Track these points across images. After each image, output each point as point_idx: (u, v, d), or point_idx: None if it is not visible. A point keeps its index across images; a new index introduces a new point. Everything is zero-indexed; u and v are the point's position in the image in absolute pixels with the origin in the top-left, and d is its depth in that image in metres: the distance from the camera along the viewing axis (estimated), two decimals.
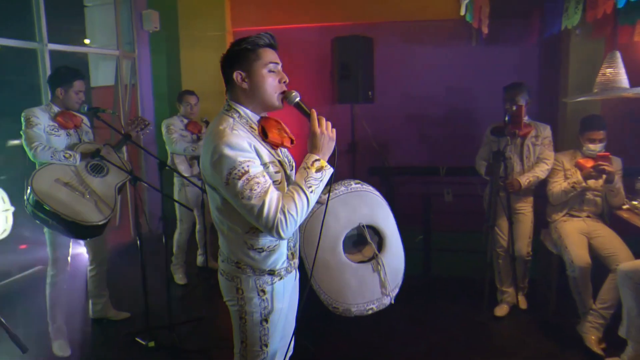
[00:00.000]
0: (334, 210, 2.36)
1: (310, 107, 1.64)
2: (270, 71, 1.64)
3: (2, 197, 4.05)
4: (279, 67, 1.67)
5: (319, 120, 1.61)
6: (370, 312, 2.43)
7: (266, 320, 1.69)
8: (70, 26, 5.60)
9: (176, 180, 4.19)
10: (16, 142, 2.96)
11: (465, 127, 4.89)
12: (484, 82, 4.58)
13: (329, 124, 1.61)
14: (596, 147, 3.25)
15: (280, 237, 1.52)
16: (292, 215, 1.49)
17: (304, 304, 1.86)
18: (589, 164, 3.19)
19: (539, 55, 4.91)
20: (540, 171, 3.39)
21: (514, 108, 3.30)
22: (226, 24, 5.36)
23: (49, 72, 4.15)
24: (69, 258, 3.18)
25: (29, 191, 2.80)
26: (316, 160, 1.57)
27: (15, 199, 2.89)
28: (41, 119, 2.99)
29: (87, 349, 3.25)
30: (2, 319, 1.70)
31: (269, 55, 1.65)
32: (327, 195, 2.20)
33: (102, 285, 3.51)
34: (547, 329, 3.34)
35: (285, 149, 1.79)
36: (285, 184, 1.62)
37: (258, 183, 1.48)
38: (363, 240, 2.49)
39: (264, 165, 1.57)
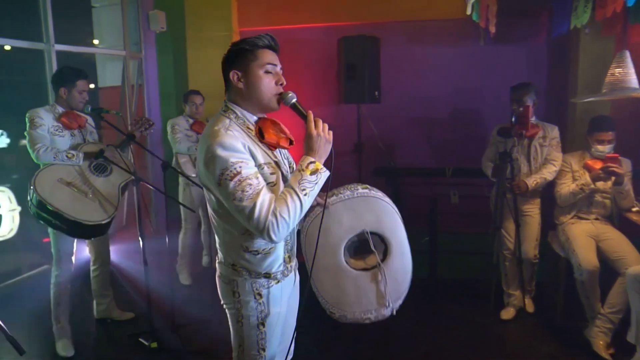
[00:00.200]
0: (337, 215, 2.30)
1: (307, 109, 1.61)
2: (266, 72, 1.62)
3: (8, 197, 4.11)
4: (277, 68, 1.65)
5: (315, 122, 1.57)
6: (367, 321, 2.37)
7: (263, 324, 1.67)
8: (79, 27, 5.63)
9: (181, 180, 4.19)
10: (26, 142, 2.98)
11: (472, 127, 4.84)
12: (492, 82, 4.53)
13: (326, 125, 1.58)
14: (605, 149, 3.20)
15: (272, 240, 1.50)
16: (283, 218, 1.47)
17: (304, 307, 1.84)
18: (598, 165, 3.14)
19: (547, 54, 4.84)
20: (548, 173, 3.34)
21: (521, 109, 3.26)
22: (233, 24, 5.35)
23: None
24: (74, 258, 3.19)
25: (31, 192, 2.81)
26: (311, 162, 1.54)
27: (26, 198, 2.90)
28: (45, 120, 3.00)
29: (91, 349, 3.26)
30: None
31: (267, 56, 1.63)
32: (331, 198, 2.19)
33: (106, 285, 3.52)
34: (554, 333, 3.29)
35: (286, 151, 1.77)
36: (281, 185, 1.59)
37: (250, 185, 1.47)
38: (368, 248, 2.41)
39: (259, 166, 1.55)
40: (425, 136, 5.11)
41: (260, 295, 1.65)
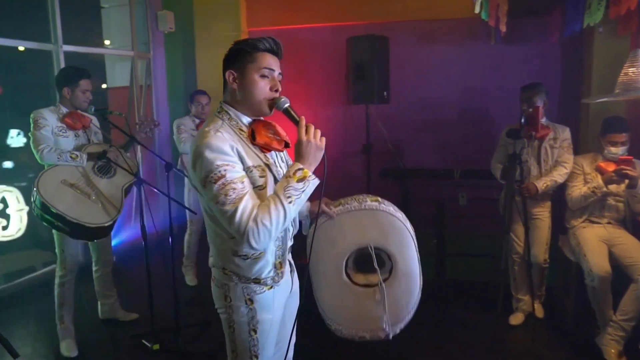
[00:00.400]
0: (342, 226, 2.19)
1: (300, 115, 1.56)
2: (262, 76, 1.58)
3: (16, 197, 4.13)
4: (275, 74, 1.61)
5: (307, 127, 1.53)
6: (362, 339, 2.29)
7: (255, 331, 1.63)
8: (89, 28, 5.67)
9: (186, 181, 4.18)
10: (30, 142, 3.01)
11: (482, 128, 4.76)
12: (503, 82, 4.45)
13: (318, 132, 1.53)
14: (618, 150, 3.10)
15: (252, 247, 1.46)
16: (264, 225, 1.43)
17: (303, 307, 1.80)
18: (611, 167, 3.05)
19: (560, 54, 4.74)
20: (559, 175, 3.26)
21: (530, 109, 3.18)
22: (241, 24, 5.34)
23: None
24: (78, 258, 3.19)
25: (35, 194, 2.81)
26: (299, 169, 1.49)
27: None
28: (49, 121, 3.00)
29: (94, 349, 3.26)
30: None
31: (266, 60, 1.59)
32: (337, 207, 2.12)
33: (108, 286, 3.52)
34: (565, 339, 3.21)
35: (284, 154, 1.73)
36: (271, 189, 1.55)
37: (234, 189, 1.44)
38: (377, 262, 2.29)
39: (247, 169, 1.52)
40: (434, 137, 5.05)
41: (251, 300, 1.62)
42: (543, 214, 3.41)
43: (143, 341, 3.19)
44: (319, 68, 5.27)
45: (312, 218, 1.91)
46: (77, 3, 5.28)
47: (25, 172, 4.76)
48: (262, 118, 1.67)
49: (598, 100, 3.56)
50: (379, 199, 2.23)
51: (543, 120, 3.28)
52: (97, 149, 3.10)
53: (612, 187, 3.10)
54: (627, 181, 3.00)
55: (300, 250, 1.84)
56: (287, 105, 1.58)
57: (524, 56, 4.65)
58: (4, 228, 4.00)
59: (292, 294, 1.81)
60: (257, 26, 5.37)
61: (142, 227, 3.00)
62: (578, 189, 3.22)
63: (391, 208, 2.22)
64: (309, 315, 1.81)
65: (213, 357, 3.10)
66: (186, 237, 4.29)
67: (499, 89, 4.51)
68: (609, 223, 3.21)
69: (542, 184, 3.24)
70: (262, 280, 1.62)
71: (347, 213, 2.16)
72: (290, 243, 1.73)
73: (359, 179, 4.79)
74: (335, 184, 4.47)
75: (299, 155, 1.52)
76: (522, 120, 3.19)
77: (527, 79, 3.43)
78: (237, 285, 1.61)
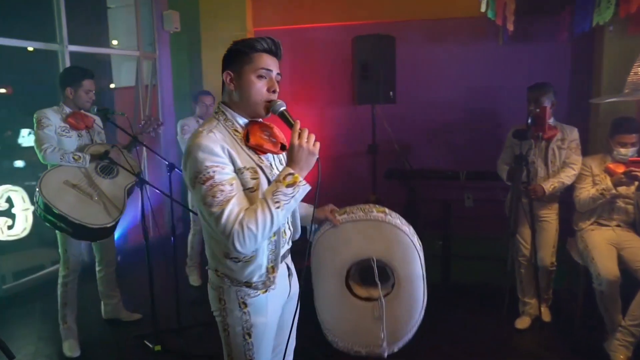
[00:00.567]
0: (347, 235, 2.11)
1: (296, 119, 1.53)
2: (259, 77, 1.55)
3: (22, 197, 4.15)
4: (273, 74, 1.57)
5: (300, 132, 1.49)
6: (357, 354, 2.21)
7: (249, 335, 1.60)
8: (95, 28, 5.68)
9: None
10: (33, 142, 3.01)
11: (489, 129, 4.71)
12: (510, 82, 4.39)
13: (312, 136, 1.49)
14: (628, 152, 3.04)
15: (237, 251, 1.44)
16: (250, 229, 1.41)
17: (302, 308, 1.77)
18: (620, 169, 2.99)
19: (569, 53, 4.67)
20: (566, 176, 3.20)
21: (537, 110, 3.12)
22: (247, 24, 5.33)
23: None
24: (81, 258, 3.19)
25: (37, 194, 2.81)
26: (289, 174, 1.46)
27: None
28: (52, 120, 3.00)
29: (96, 350, 3.25)
30: None
31: (264, 60, 1.56)
32: (342, 216, 2.07)
33: (111, 287, 3.51)
34: (572, 344, 3.15)
35: (282, 156, 1.71)
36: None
37: (222, 191, 1.42)
38: (380, 275, 2.19)
39: (238, 170, 1.49)
40: (440, 138, 5.00)
41: (245, 304, 1.59)
42: (550, 216, 3.35)
43: (146, 342, 3.18)
44: (324, 68, 5.24)
45: (316, 224, 1.87)
46: (84, 3, 5.29)
47: (36, 171, 4.79)
48: (259, 120, 1.64)
49: (607, 100, 3.50)
50: (386, 210, 2.13)
51: (551, 121, 3.22)
52: (100, 150, 3.09)
53: (622, 189, 3.04)
54: (636, 183, 2.94)
55: (303, 254, 1.80)
56: (282, 108, 1.55)
57: (532, 56, 4.59)
58: (10, 227, 4.02)
59: (291, 298, 1.78)
60: (262, 26, 5.36)
61: (144, 227, 2.99)
62: (586, 191, 3.16)
63: (398, 221, 2.11)
64: (313, 322, 1.77)
65: (214, 358, 3.07)
66: (190, 237, 4.28)
67: (507, 89, 4.46)
68: (618, 226, 3.15)
69: (549, 186, 3.19)
70: (253, 284, 1.59)
71: (351, 222, 2.08)
72: (287, 247, 1.71)
73: (364, 180, 4.75)
74: (340, 184, 4.46)
75: (290, 160, 1.49)
76: (529, 120, 3.14)
77: (535, 79, 3.37)
78: (231, 288, 1.59)
